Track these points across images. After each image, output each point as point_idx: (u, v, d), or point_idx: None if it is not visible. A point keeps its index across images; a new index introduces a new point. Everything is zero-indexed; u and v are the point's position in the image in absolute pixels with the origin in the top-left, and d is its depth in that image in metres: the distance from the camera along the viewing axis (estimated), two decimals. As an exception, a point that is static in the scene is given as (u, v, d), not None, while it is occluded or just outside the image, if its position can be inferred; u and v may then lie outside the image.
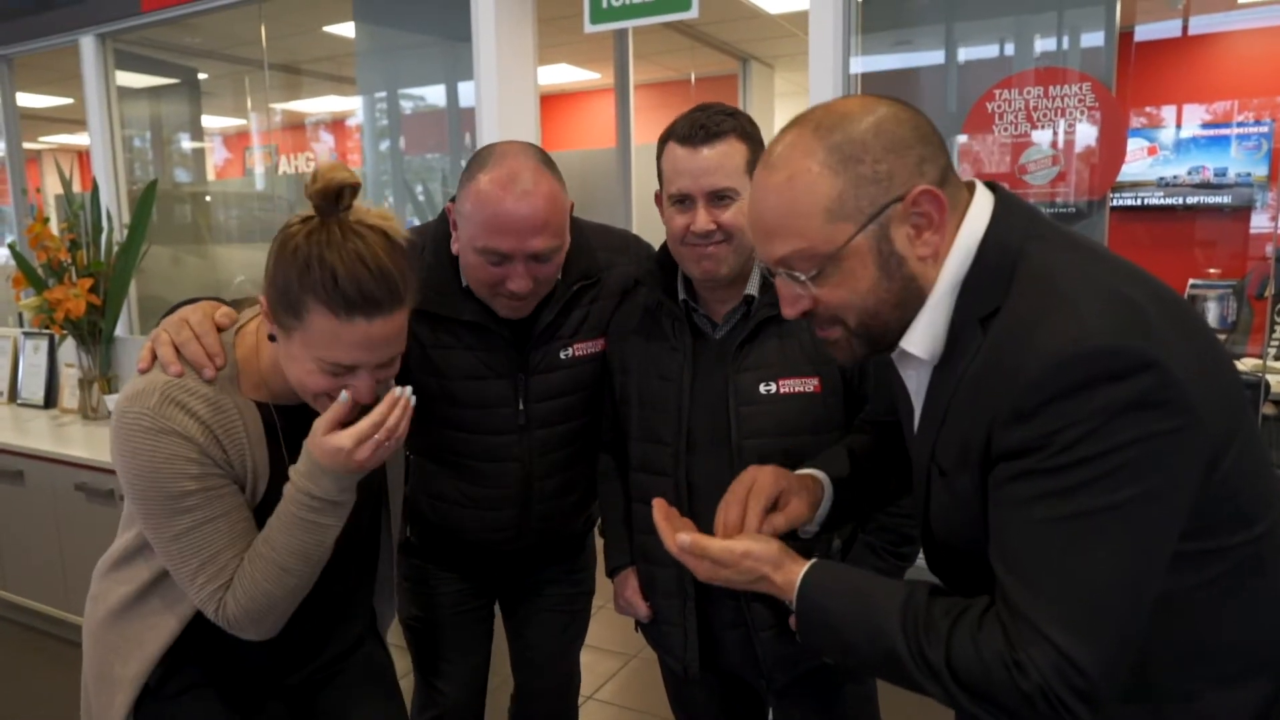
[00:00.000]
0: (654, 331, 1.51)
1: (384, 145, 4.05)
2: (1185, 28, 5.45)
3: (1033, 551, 0.85)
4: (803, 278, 0.96)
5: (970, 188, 0.98)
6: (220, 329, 1.25)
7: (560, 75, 7.19)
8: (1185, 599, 0.89)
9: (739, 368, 1.41)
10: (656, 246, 1.58)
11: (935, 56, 3.00)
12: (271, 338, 1.20)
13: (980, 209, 0.95)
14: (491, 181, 1.40)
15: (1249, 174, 5.29)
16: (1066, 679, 0.82)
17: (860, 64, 2.93)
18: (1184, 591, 0.88)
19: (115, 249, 3.48)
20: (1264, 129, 5.22)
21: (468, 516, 1.65)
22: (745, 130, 1.38)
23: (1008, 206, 0.96)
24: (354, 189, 1.15)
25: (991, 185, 0.99)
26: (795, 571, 1.03)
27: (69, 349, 3.64)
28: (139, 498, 1.18)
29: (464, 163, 1.61)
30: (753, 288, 1.44)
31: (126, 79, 4.33)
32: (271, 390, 1.26)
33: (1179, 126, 5.46)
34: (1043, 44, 2.71)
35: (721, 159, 1.35)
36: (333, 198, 1.13)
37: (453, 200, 1.51)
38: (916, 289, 0.95)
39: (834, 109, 0.96)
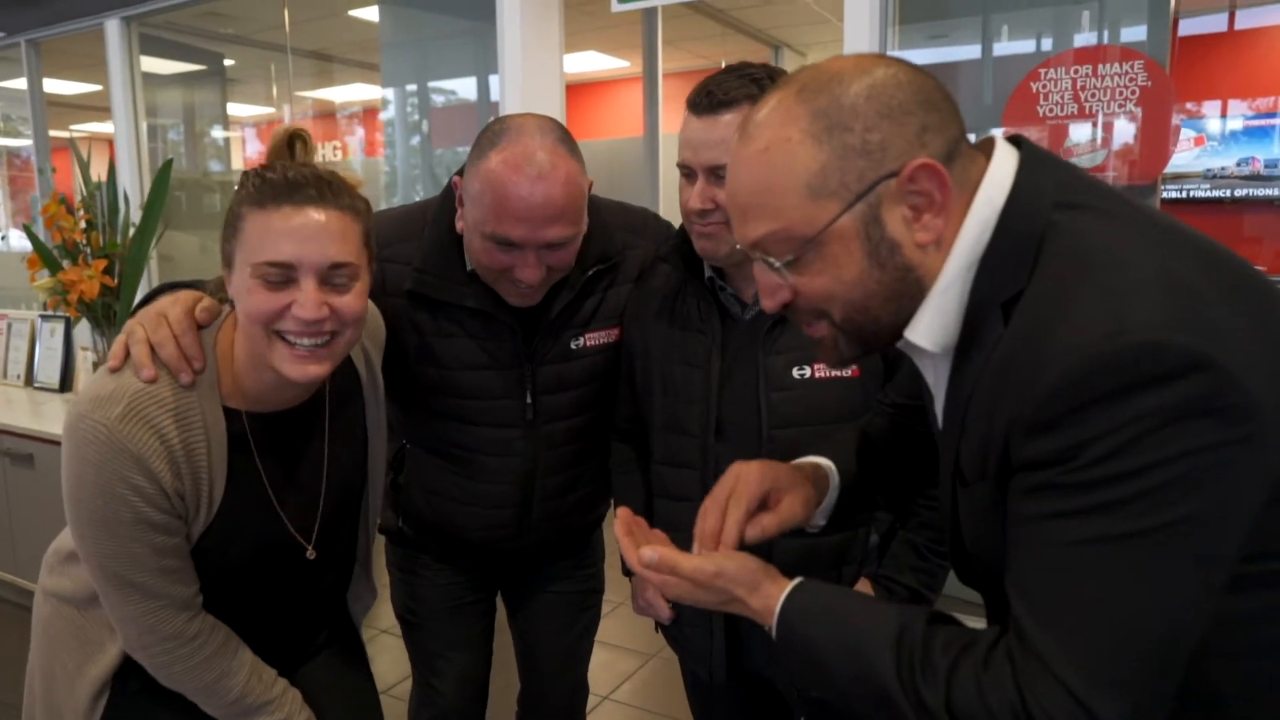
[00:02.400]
0: (677, 313, 1.39)
1: (414, 139, 3.99)
2: (1232, 20, 5.26)
3: (1051, 579, 0.73)
4: (777, 264, 0.83)
5: (988, 148, 0.83)
6: (201, 326, 1.16)
7: (589, 63, 7.12)
8: (1234, 636, 0.75)
9: (770, 351, 1.31)
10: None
11: (972, 51, 2.90)
12: (231, 304, 1.13)
13: (1001, 171, 0.81)
14: (503, 161, 1.27)
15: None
16: None
17: (897, 56, 2.85)
18: (1235, 623, 0.75)
19: (131, 231, 3.46)
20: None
21: (465, 514, 1.56)
22: None
23: (1035, 166, 0.81)
24: (304, 140, 1.11)
25: (1016, 140, 0.84)
26: (774, 595, 0.90)
27: (84, 332, 3.64)
28: (72, 505, 1.10)
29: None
30: None
31: (152, 65, 4.32)
32: (246, 393, 1.17)
33: (1224, 117, 5.26)
34: (1083, 38, 2.61)
35: (725, 131, 1.21)
36: (285, 153, 1.11)
37: (459, 174, 1.39)
38: (914, 280, 0.82)
39: (824, 69, 0.82)
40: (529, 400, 1.49)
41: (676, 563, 0.94)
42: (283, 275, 1.06)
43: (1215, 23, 5.31)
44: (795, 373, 1.30)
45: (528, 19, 3.23)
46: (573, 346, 1.49)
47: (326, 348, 1.10)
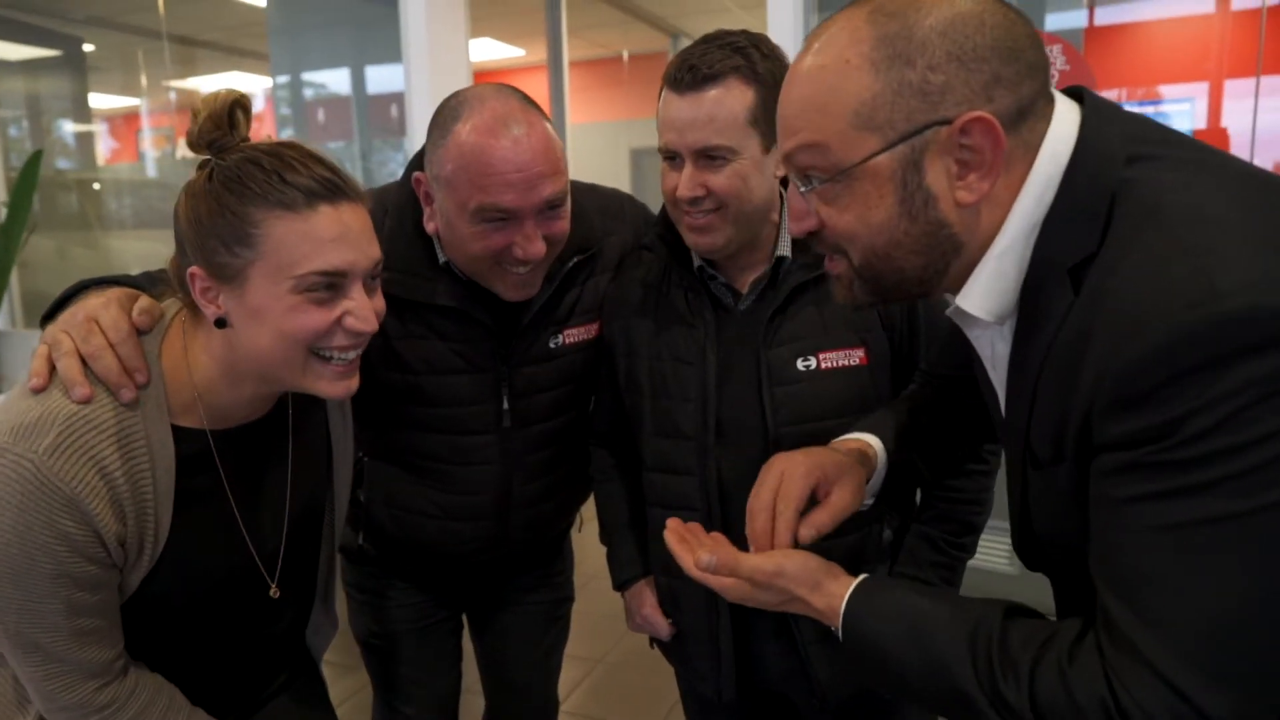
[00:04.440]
0: (664, 306, 1.29)
1: (303, 131, 3.74)
2: (1091, 17, 5.54)
3: (1145, 566, 0.68)
4: (803, 189, 0.80)
5: (1048, 106, 0.77)
6: (140, 332, 0.98)
7: (485, 51, 6.89)
8: None
9: (772, 342, 1.22)
10: (655, 209, 1.37)
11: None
12: (220, 323, 0.96)
13: (1063, 126, 0.75)
14: (475, 129, 1.17)
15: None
16: None
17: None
18: None
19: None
20: (1184, 106, 5.34)
21: (436, 529, 1.43)
22: (754, 70, 1.13)
23: (1101, 119, 0.75)
24: (246, 108, 0.97)
25: (1076, 93, 0.78)
26: (838, 594, 0.87)
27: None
28: None
29: (414, 152, 1.39)
30: (784, 248, 1.23)
31: (2, 50, 3.88)
32: (209, 408, 1.01)
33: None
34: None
35: (713, 108, 1.12)
36: (226, 123, 0.95)
37: (418, 170, 1.27)
38: (947, 238, 0.77)
39: None
40: (505, 405, 1.36)
41: (736, 564, 0.91)
42: (332, 285, 0.94)
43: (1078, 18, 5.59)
44: (800, 364, 1.22)
45: (433, 3, 3.05)
46: (551, 345, 1.37)
47: (356, 360, 1.01)
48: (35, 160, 3.09)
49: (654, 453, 1.32)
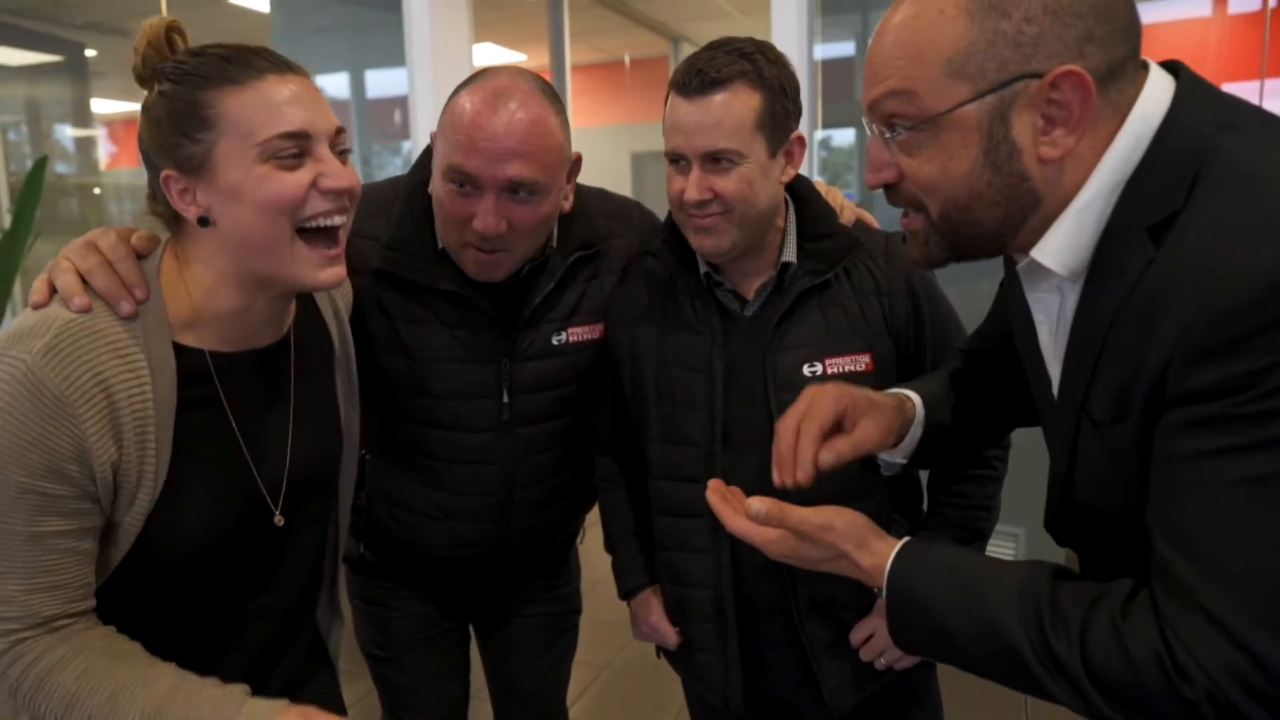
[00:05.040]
0: (670, 312, 1.29)
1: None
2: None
3: (1215, 520, 0.68)
4: (888, 135, 0.80)
5: (1141, 72, 0.78)
6: (140, 256, 0.99)
7: (486, 56, 6.90)
8: None
9: (778, 348, 1.22)
10: (661, 216, 1.37)
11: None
12: (204, 221, 0.95)
13: (1157, 91, 0.76)
14: (470, 93, 1.20)
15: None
16: (1247, 682, 0.65)
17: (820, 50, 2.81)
18: None
19: (-2, 238, 3.09)
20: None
21: (437, 530, 1.42)
22: (762, 75, 1.14)
23: (1195, 92, 0.76)
24: (181, 33, 0.98)
25: (1173, 67, 0.79)
26: (884, 553, 0.86)
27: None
28: None
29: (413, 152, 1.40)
30: (789, 254, 1.24)
31: (2, 55, 3.88)
32: (207, 325, 1.00)
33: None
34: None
35: (721, 113, 1.13)
36: (165, 48, 0.96)
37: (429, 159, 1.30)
38: (1027, 191, 0.77)
39: None
40: (505, 399, 1.35)
41: (784, 515, 0.89)
42: (298, 149, 0.94)
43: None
44: (806, 370, 1.22)
45: (436, 7, 3.05)
46: (554, 342, 1.37)
47: (339, 246, 1.00)
48: (40, 166, 3.07)
49: (660, 460, 1.31)
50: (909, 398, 1.06)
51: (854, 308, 1.23)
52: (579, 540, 1.65)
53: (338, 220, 0.98)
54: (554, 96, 1.24)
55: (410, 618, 1.52)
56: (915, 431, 1.05)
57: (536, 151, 1.19)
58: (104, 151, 4.66)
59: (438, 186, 1.24)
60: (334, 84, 3.74)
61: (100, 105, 4.60)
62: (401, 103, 3.39)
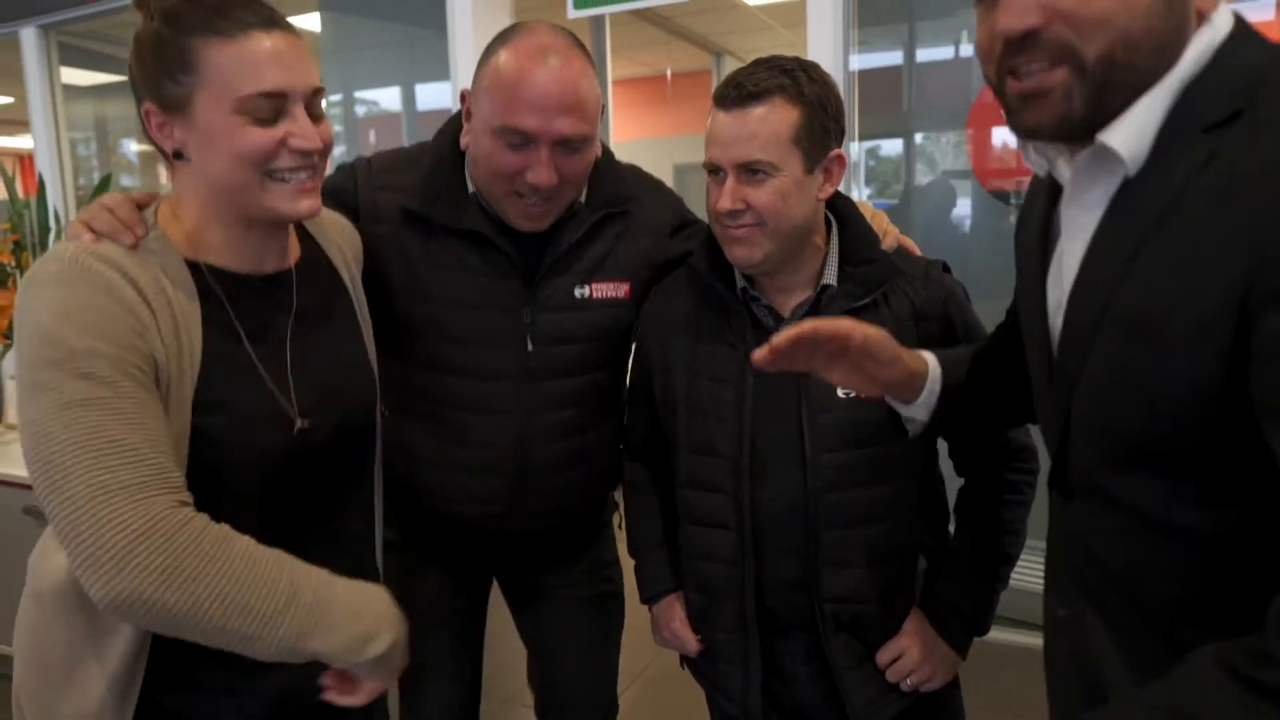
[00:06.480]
0: (704, 324, 1.30)
1: (347, 148, 3.85)
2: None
3: None
4: None
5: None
6: (140, 207, 1.06)
7: (526, 72, 7.02)
8: None
9: None
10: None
11: (938, 53, 2.90)
12: (179, 155, 1.01)
13: (1224, 15, 0.78)
14: (516, 53, 1.23)
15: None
16: None
17: (857, 60, 2.84)
18: None
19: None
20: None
21: (454, 485, 1.42)
22: (801, 91, 1.16)
23: (1250, 30, 0.78)
24: None
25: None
26: None
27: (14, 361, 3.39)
28: (29, 367, 0.90)
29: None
30: (830, 277, 1.24)
31: (72, 76, 4.07)
32: (205, 252, 1.05)
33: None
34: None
35: (758, 125, 1.15)
36: None
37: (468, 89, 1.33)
38: (1180, 43, 0.76)
39: None
40: (529, 348, 1.37)
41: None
42: (273, 107, 0.98)
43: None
44: (840, 392, 1.22)
45: (479, 25, 3.13)
46: (577, 295, 1.39)
47: (313, 180, 1.04)
48: (105, 184, 3.22)
49: (688, 470, 1.32)
50: (925, 356, 1.10)
51: (890, 328, 1.23)
52: (617, 525, 1.61)
53: (303, 177, 1.03)
54: (583, 47, 1.29)
55: (423, 592, 1.50)
56: (932, 387, 1.08)
57: (585, 105, 1.25)
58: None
59: (485, 143, 1.27)
60: (386, 97, 3.85)
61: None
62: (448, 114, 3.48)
